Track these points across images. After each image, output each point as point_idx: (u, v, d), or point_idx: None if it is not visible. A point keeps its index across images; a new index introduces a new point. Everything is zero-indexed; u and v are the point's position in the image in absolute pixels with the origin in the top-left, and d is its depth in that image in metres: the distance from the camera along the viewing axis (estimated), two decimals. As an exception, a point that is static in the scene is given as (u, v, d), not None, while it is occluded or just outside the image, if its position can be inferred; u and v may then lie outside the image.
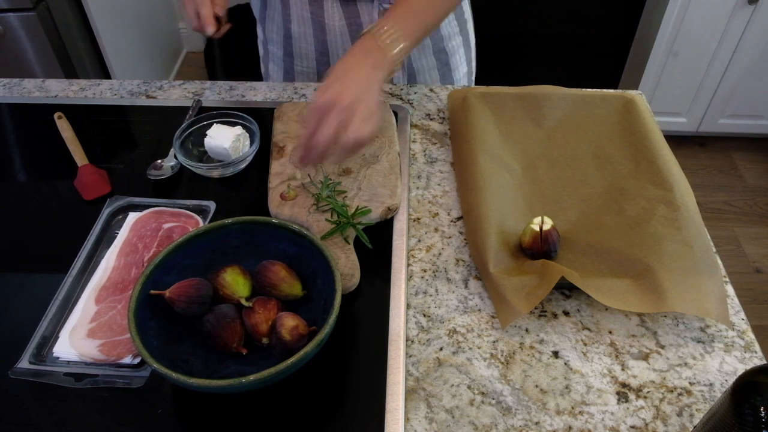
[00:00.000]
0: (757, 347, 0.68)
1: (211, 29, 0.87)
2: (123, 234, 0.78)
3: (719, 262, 0.72)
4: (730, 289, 0.74)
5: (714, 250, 0.72)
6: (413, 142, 0.94)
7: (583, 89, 0.94)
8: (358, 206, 0.78)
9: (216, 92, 1.04)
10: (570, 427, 0.61)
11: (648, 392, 0.64)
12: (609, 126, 0.90)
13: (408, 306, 0.72)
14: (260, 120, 0.90)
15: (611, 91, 0.99)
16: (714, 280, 0.70)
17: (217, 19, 0.88)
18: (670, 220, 0.76)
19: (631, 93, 0.95)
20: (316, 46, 1.03)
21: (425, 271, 0.76)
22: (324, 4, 0.97)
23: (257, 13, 1.09)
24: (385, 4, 0.95)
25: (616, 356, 0.67)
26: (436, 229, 0.81)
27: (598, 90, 0.98)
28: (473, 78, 1.19)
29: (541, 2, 2.21)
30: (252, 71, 2.71)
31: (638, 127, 0.87)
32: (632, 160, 0.85)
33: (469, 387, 0.64)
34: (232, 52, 2.66)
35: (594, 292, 0.67)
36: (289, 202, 0.80)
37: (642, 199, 0.81)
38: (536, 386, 0.65)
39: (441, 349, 0.68)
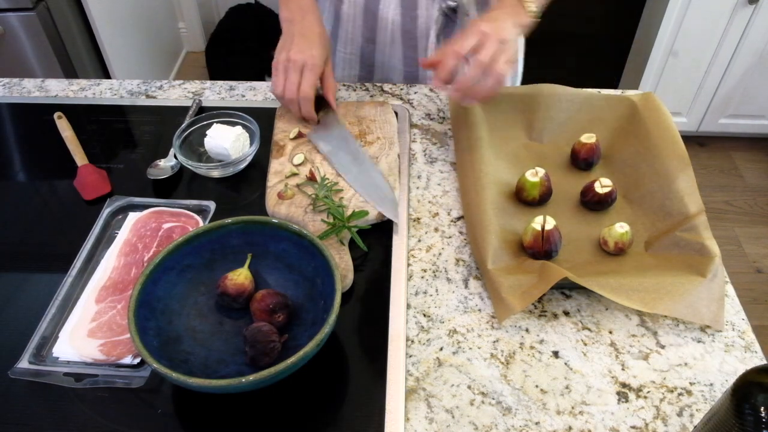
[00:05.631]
0: (757, 347, 0.68)
1: (313, 122, 0.90)
2: (123, 234, 0.78)
3: (721, 264, 0.72)
4: (730, 289, 0.74)
5: (717, 252, 0.71)
6: (413, 142, 0.94)
7: (586, 89, 0.93)
8: (354, 209, 0.78)
9: (216, 92, 1.04)
10: (570, 427, 0.61)
11: (648, 392, 0.64)
12: (612, 129, 0.90)
13: (408, 306, 0.72)
14: (260, 120, 0.90)
15: (615, 92, 0.99)
16: (713, 284, 0.69)
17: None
18: (672, 222, 0.76)
19: (634, 93, 0.95)
20: (364, 32, 1.02)
21: (425, 271, 0.76)
22: None
23: None
24: (450, 2, 0.94)
25: (616, 356, 0.67)
26: (436, 229, 0.81)
27: (603, 91, 0.97)
28: None
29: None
30: (253, 71, 2.71)
31: (642, 129, 0.86)
32: (634, 162, 0.85)
33: (469, 387, 0.64)
34: (233, 52, 2.66)
35: (595, 287, 0.67)
36: (286, 201, 0.80)
37: (643, 202, 0.81)
38: (536, 386, 0.64)
39: (441, 349, 0.68)
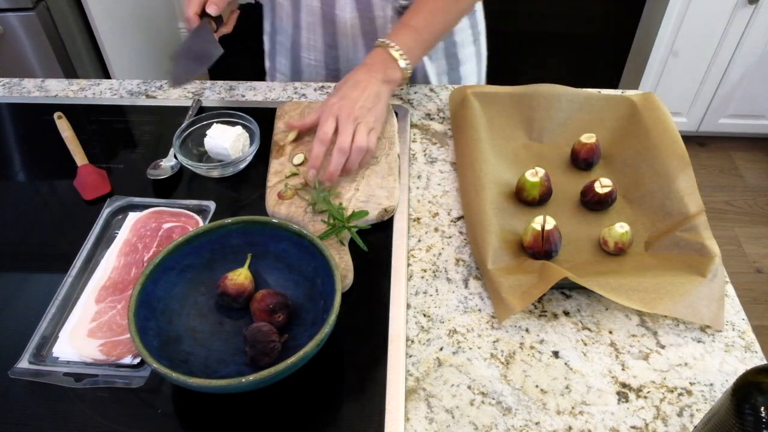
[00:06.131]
0: (757, 347, 0.68)
1: (189, 26, 0.90)
2: (123, 234, 0.78)
3: (721, 264, 0.72)
4: (730, 289, 0.74)
5: (717, 252, 0.71)
6: (413, 142, 0.94)
7: (586, 89, 0.93)
8: (354, 209, 0.78)
9: (216, 92, 1.04)
10: (570, 427, 0.61)
11: (648, 392, 0.64)
12: (612, 129, 0.90)
13: (408, 306, 0.72)
14: (260, 120, 0.90)
15: (615, 92, 0.99)
16: (713, 284, 0.69)
17: (211, 16, 0.90)
18: (672, 222, 0.76)
19: (634, 93, 0.95)
20: (325, 38, 1.02)
21: (425, 271, 0.76)
22: None
23: (267, 2, 1.08)
24: (402, 1, 0.94)
25: (616, 356, 0.67)
26: (436, 229, 0.81)
27: (603, 91, 0.97)
28: None
29: (541, 2, 2.21)
30: (253, 71, 2.71)
31: (642, 129, 0.86)
32: (634, 162, 0.85)
33: (469, 387, 0.64)
34: (233, 52, 2.66)
35: (595, 287, 0.67)
36: (286, 202, 0.80)
37: (643, 202, 0.81)
38: (536, 386, 0.64)
39: (441, 349, 0.68)
